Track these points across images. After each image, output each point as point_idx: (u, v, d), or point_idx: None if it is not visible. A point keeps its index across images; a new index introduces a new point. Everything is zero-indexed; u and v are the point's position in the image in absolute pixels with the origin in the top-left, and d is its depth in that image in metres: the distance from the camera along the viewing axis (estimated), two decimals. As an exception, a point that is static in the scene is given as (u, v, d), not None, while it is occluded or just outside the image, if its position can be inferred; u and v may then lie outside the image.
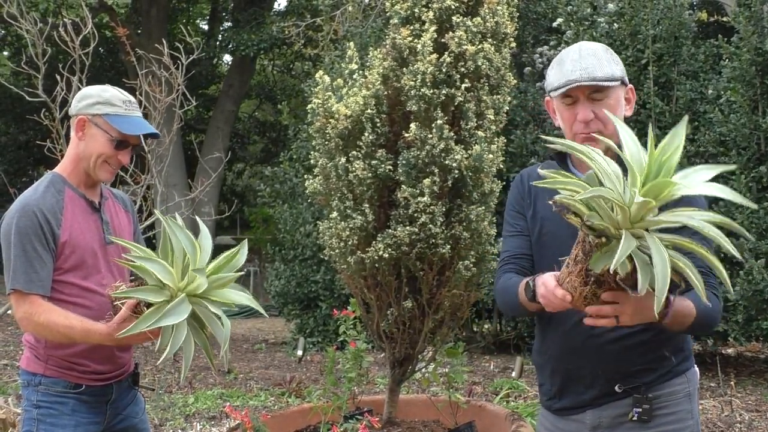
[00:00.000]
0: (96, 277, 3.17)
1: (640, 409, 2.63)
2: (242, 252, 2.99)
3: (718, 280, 2.40)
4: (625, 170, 2.20)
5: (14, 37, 17.62)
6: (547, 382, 2.88)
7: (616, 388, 2.68)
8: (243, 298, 2.98)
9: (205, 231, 2.99)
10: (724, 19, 9.39)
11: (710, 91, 8.06)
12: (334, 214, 4.32)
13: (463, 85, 4.19)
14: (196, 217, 3.17)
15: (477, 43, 4.22)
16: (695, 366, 2.78)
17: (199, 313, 2.87)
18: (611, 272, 2.16)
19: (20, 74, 13.16)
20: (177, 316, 2.80)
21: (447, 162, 4.13)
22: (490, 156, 4.22)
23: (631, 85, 2.74)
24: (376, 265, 4.24)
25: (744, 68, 7.46)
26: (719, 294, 2.57)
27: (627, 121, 7.58)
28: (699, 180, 2.22)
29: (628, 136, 2.25)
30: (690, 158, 7.73)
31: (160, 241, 2.93)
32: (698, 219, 2.17)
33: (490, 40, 4.27)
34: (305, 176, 4.65)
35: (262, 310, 3.14)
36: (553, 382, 2.85)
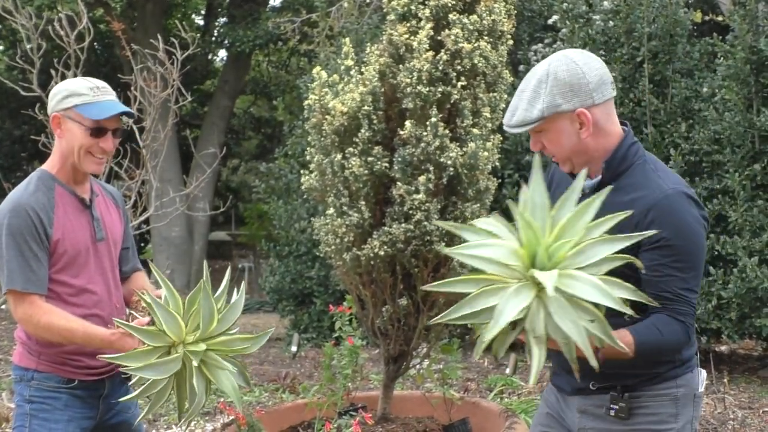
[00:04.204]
0: (86, 274, 3.17)
1: (617, 407, 2.64)
2: (257, 342, 3.10)
3: (691, 307, 2.51)
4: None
5: (8, 31, 17.57)
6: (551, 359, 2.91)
7: (590, 385, 2.70)
8: (229, 386, 3.01)
9: (240, 302, 3.05)
10: (719, 18, 9.40)
11: (705, 89, 8.06)
12: (330, 210, 4.33)
13: (459, 83, 4.19)
14: (243, 290, 3.12)
15: (473, 40, 4.22)
16: (694, 371, 2.73)
17: (185, 371, 2.92)
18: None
19: (14, 68, 13.12)
20: (160, 372, 2.87)
21: (442, 159, 4.14)
22: (486, 153, 4.23)
23: (582, 109, 2.58)
24: (372, 263, 4.25)
25: (739, 67, 7.47)
26: (687, 320, 2.54)
27: (623, 117, 7.55)
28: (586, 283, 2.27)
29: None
30: (684, 156, 7.73)
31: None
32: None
33: (486, 37, 4.28)
34: (301, 172, 4.65)
35: (239, 408, 3.20)
36: (550, 361, 2.86)
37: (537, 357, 2.30)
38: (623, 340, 2.41)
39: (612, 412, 2.65)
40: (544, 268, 2.27)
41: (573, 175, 2.61)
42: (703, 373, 2.78)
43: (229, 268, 3.26)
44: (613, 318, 2.34)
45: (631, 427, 2.66)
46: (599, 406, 2.70)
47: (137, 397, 2.98)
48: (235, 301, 3.07)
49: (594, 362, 2.26)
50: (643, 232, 2.39)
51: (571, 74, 2.58)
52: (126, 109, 3.19)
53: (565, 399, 2.85)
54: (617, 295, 2.27)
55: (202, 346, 2.90)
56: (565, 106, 2.58)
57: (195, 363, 2.88)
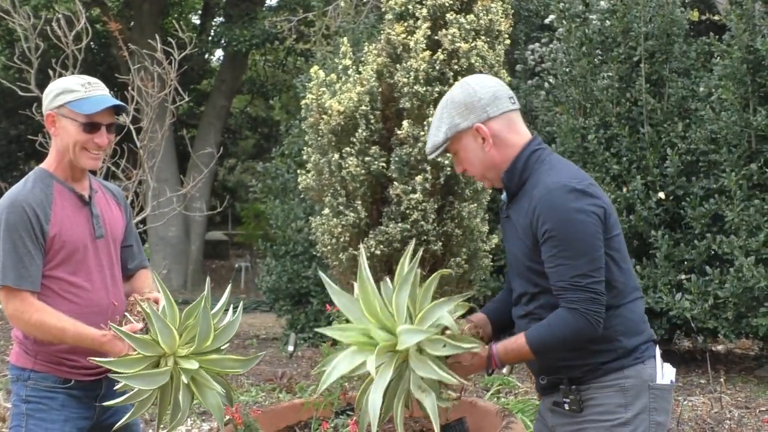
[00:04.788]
0: (84, 271, 3.16)
1: (569, 400, 2.79)
2: (248, 364, 3.14)
3: (588, 293, 2.64)
4: None
5: (5, 30, 17.55)
6: None
7: (540, 379, 2.88)
8: (214, 405, 3.05)
9: (236, 322, 3.11)
10: (716, 17, 9.41)
11: (702, 89, 8.07)
12: (327, 210, 4.32)
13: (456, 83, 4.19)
14: (240, 309, 3.19)
15: (470, 40, 4.22)
16: (646, 363, 2.81)
17: (171, 384, 2.94)
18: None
19: (11, 68, 13.11)
20: (148, 383, 2.90)
21: (439, 159, 4.14)
22: (483, 153, 4.23)
23: (478, 124, 2.80)
24: (368, 262, 4.24)
25: (735, 66, 7.48)
26: (581, 306, 2.64)
27: (620, 117, 7.46)
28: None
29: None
30: (681, 155, 7.75)
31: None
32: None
33: (483, 37, 4.28)
34: (298, 171, 4.65)
35: (221, 427, 3.19)
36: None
37: (429, 405, 2.67)
38: (517, 342, 2.73)
39: (566, 407, 2.80)
40: (389, 338, 2.70)
41: (499, 190, 2.95)
42: (667, 366, 2.86)
43: (229, 287, 3.27)
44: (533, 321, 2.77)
45: (583, 418, 2.78)
46: (557, 403, 2.84)
47: (124, 403, 2.98)
48: (231, 321, 3.09)
49: (454, 381, 2.64)
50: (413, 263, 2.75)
51: (465, 94, 2.82)
52: (117, 102, 3.18)
53: (543, 400, 2.99)
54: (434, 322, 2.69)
55: (195, 364, 2.91)
56: (463, 125, 2.81)
57: (185, 380, 2.89)
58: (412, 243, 2.86)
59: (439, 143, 2.85)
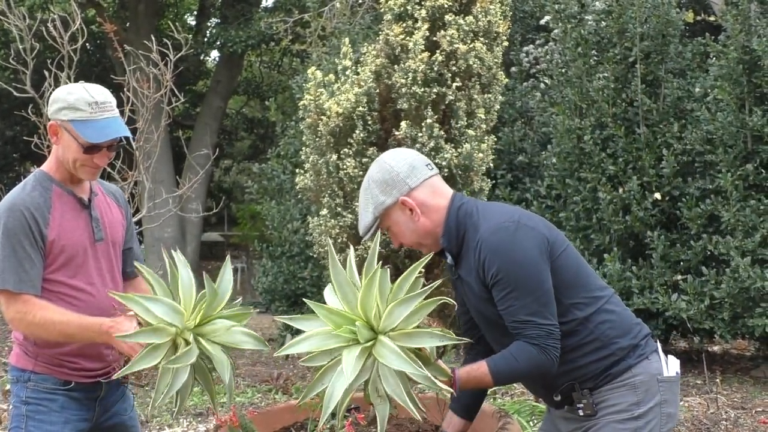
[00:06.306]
0: (84, 275, 3.15)
1: (582, 405, 2.87)
2: (258, 341, 3.10)
3: (543, 329, 2.71)
4: None
5: (1, 31, 17.51)
6: None
7: (555, 396, 2.95)
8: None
9: (228, 276, 3.05)
10: (711, 18, 9.42)
11: (697, 89, 8.08)
12: (324, 211, 4.33)
13: (454, 84, 4.20)
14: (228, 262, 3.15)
15: (469, 41, 4.23)
16: (651, 358, 2.89)
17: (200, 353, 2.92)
18: None
19: (6, 69, 13.09)
20: (160, 336, 2.84)
21: (437, 161, 4.14)
22: (480, 155, 4.23)
23: (402, 197, 2.87)
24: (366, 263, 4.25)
25: (731, 67, 7.49)
26: (541, 341, 2.72)
27: (616, 118, 7.46)
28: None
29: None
30: (677, 156, 7.75)
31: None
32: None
33: (482, 38, 4.28)
34: (294, 172, 4.65)
35: (226, 378, 3.05)
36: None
37: (381, 414, 2.67)
38: (479, 370, 2.78)
39: (580, 412, 2.87)
40: (370, 337, 2.66)
41: (442, 255, 2.98)
42: (671, 358, 2.94)
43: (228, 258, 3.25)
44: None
45: (597, 418, 2.86)
46: (571, 410, 2.93)
47: (167, 397, 2.90)
48: (224, 274, 3.06)
49: (422, 373, 2.58)
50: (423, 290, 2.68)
51: (383, 172, 2.90)
52: (124, 134, 3.11)
53: (553, 410, 3.08)
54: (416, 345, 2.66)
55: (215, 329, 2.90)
56: (388, 201, 2.89)
57: (217, 332, 2.86)
58: (430, 254, 2.85)
59: (369, 224, 2.92)
